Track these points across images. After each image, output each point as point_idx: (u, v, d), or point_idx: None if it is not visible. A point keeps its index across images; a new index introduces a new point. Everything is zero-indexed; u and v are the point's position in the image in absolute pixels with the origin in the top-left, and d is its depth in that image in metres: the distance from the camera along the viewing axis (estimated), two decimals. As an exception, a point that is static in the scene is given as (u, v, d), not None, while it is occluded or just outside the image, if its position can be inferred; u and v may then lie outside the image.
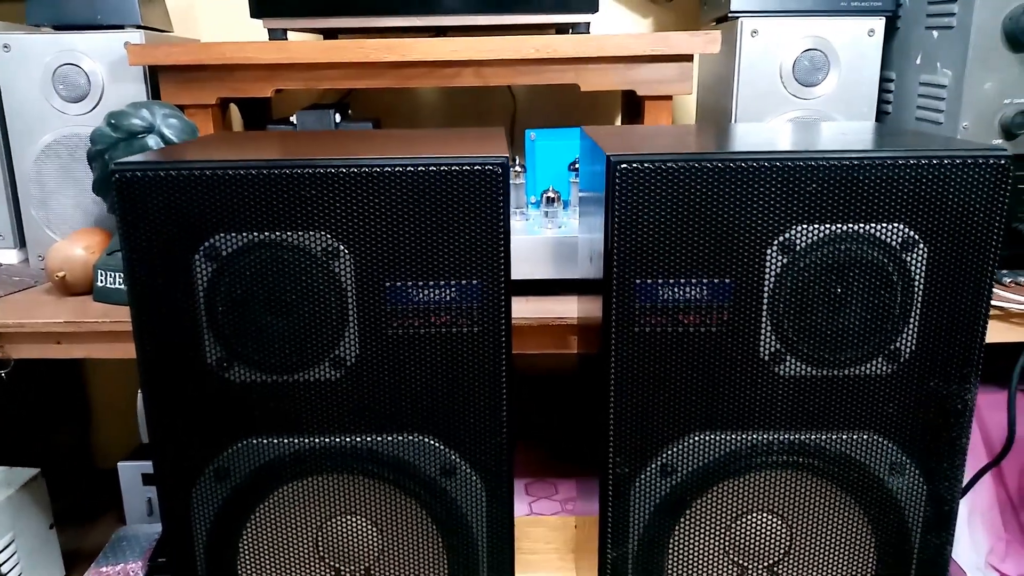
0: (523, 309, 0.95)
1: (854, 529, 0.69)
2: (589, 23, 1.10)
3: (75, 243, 1.09)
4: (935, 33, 1.09)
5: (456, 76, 1.09)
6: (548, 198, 1.07)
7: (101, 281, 1.05)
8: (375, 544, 0.71)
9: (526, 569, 1.00)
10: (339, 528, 0.71)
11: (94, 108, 1.14)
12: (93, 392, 1.60)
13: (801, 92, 1.17)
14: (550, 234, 1.02)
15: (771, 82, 1.16)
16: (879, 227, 0.61)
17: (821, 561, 0.70)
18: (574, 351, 0.98)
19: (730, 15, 1.16)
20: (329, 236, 0.62)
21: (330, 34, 1.18)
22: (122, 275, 1.04)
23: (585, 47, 1.06)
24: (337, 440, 0.66)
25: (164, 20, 1.24)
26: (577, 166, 1.11)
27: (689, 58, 1.08)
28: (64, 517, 1.39)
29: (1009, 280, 1.05)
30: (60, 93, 1.14)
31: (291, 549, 0.71)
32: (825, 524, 0.69)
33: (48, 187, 1.17)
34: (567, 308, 0.96)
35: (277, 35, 1.10)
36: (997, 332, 0.98)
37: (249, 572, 0.71)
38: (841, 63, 1.15)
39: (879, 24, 1.15)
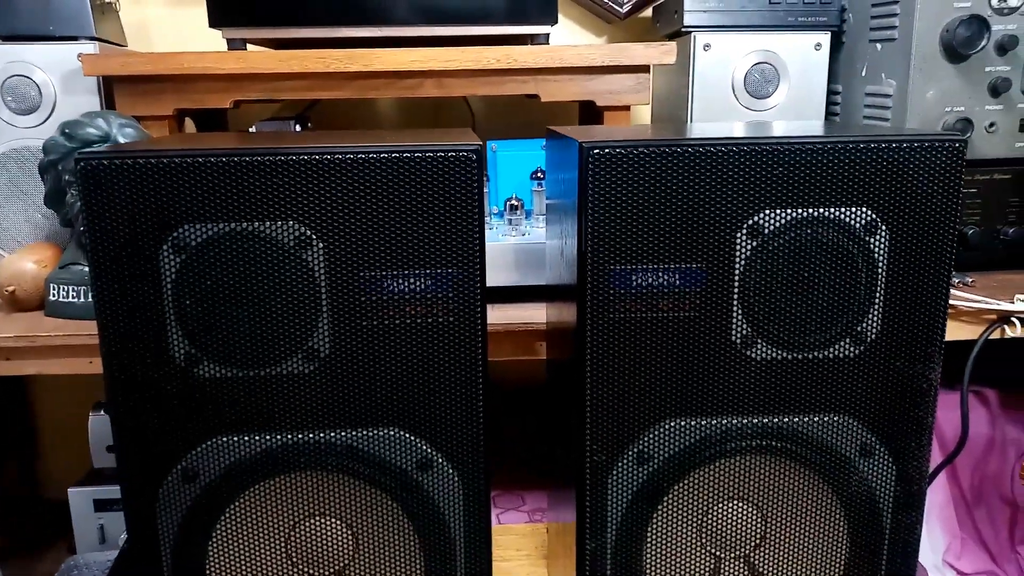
0: (489, 316, 0.95)
1: (827, 513, 0.70)
2: (548, 34, 1.12)
3: (26, 257, 1.06)
4: (879, 46, 1.13)
5: (418, 87, 1.10)
6: (511, 205, 1.08)
7: (54, 295, 1.02)
8: (348, 547, 0.69)
9: (499, 576, 0.99)
10: (311, 531, 0.69)
11: (45, 121, 1.12)
12: (39, 415, 1.55)
13: (753, 104, 1.20)
14: (514, 241, 1.03)
15: (724, 94, 1.19)
16: (842, 211, 0.63)
17: (795, 547, 0.71)
18: (541, 357, 0.98)
19: (683, 30, 1.19)
20: (301, 225, 0.61)
21: (288, 47, 1.18)
22: (76, 288, 1.02)
23: (545, 57, 1.08)
24: (309, 436, 0.65)
25: (119, 34, 1.23)
26: (540, 175, 1.12)
27: (646, 69, 1.11)
28: (9, 551, 1.33)
29: (957, 280, 1.09)
30: (9, 105, 1.11)
31: (262, 554, 0.69)
32: (798, 510, 0.70)
33: (-5, 202, 1.14)
34: (533, 314, 0.96)
35: (236, 46, 1.09)
36: (947, 331, 1.01)
37: (218, 579, 0.68)
38: (790, 75, 1.19)
39: (825, 39, 1.19)
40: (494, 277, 1.02)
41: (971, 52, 1.05)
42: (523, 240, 1.03)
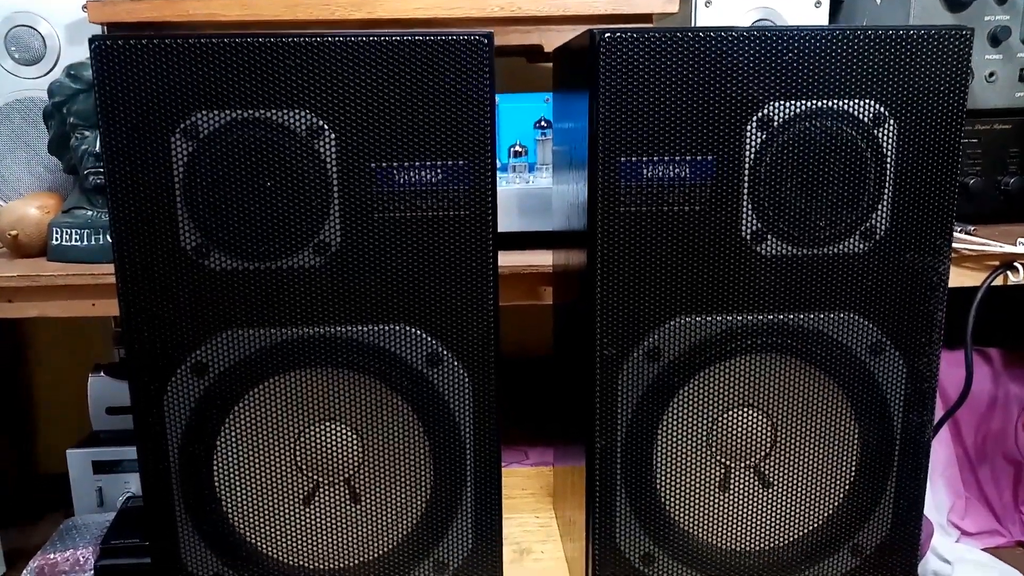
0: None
1: (837, 418, 0.70)
2: (552, -17, 1.12)
3: (29, 203, 1.06)
4: (878, 0, 1.15)
5: (421, 36, 1.10)
6: (515, 152, 1.08)
7: (56, 239, 1.02)
8: (356, 452, 0.69)
9: (504, 511, 0.98)
10: (319, 436, 0.68)
11: (49, 71, 1.12)
12: (36, 387, 1.53)
13: (754, 61, 1.21)
14: (518, 187, 1.03)
15: (725, 51, 1.20)
16: (851, 103, 0.63)
17: (805, 455, 0.71)
18: (546, 302, 0.98)
19: (684, -13, 1.20)
20: (312, 114, 0.61)
21: None
22: (79, 231, 1.01)
23: (548, 5, 1.08)
24: (319, 331, 0.65)
25: (122, -9, 1.23)
26: (543, 124, 1.12)
27: (648, 18, 1.11)
28: (6, 520, 1.32)
29: (960, 228, 1.09)
30: (13, 55, 1.11)
31: (268, 457, 0.68)
32: (808, 415, 0.70)
33: (-1, 152, 1.14)
34: (538, 259, 0.96)
35: (241, -6, 1.09)
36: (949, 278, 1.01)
37: (225, 481, 0.68)
38: (791, 32, 1.20)
39: (825, -5, 1.20)
40: (499, 223, 1.02)
41: (971, 0, 1.06)
42: (528, 186, 1.03)
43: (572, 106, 0.72)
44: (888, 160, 0.64)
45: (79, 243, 1.01)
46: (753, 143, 0.63)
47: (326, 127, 0.61)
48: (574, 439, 0.76)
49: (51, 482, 1.42)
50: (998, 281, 1.03)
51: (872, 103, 0.63)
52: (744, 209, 0.65)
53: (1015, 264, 1.02)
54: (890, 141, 0.64)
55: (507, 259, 0.97)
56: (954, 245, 0.99)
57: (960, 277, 1.02)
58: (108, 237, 1.00)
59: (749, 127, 0.63)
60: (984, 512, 1.28)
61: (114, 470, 1.24)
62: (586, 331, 0.66)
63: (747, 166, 0.64)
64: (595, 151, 0.63)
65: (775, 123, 0.63)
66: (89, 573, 1.07)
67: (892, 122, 0.64)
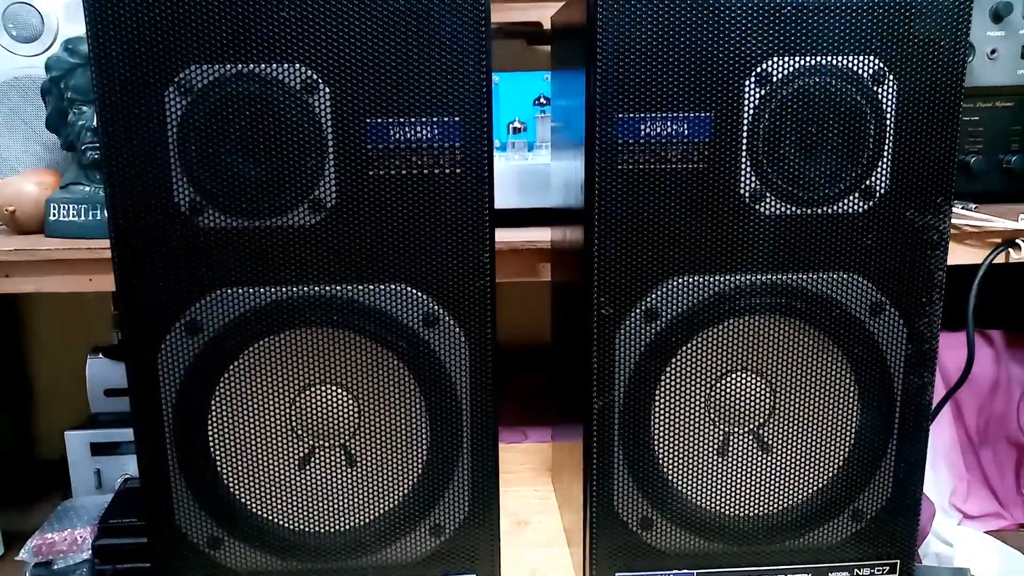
0: (493, 237, 0.94)
1: (837, 381, 0.69)
2: (551, -40, 1.12)
3: (27, 179, 1.05)
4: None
5: (420, 13, 1.10)
6: (515, 128, 1.08)
7: (54, 215, 1.02)
8: (352, 415, 0.68)
9: (501, 485, 0.97)
10: (315, 399, 0.68)
11: (47, 49, 1.12)
12: (34, 376, 1.53)
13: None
14: (517, 163, 1.02)
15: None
16: (851, 59, 0.62)
17: (805, 418, 0.70)
18: (544, 279, 0.97)
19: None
20: (306, 68, 0.61)
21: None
22: (77, 207, 1.01)
23: (547, -18, 1.08)
24: (314, 290, 0.64)
25: (121, -30, 1.23)
26: (542, 101, 1.12)
27: (648, -5, 1.11)
28: (4, 503, 1.32)
29: (960, 206, 1.08)
30: (11, 33, 1.11)
31: (264, 419, 0.68)
32: (808, 379, 0.69)
33: (-4, 130, 1.13)
34: (537, 235, 0.96)
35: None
36: (950, 255, 1.00)
37: (220, 442, 0.67)
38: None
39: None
40: (497, 200, 1.01)
41: (971, -25, 1.05)
42: (527, 163, 1.03)
43: (570, 83, 0.72)
44: (888, 118, 0.64)
45: (76, 219, 1.01)
46: (752, 100, 0.63)
47: (320, 81, 0.61)
48: (572, 408, 0.75)
49: (49, 465, 1.42)
50: (1000, 259, 1.02)
51: (872, 59, 0.63)
52: (743, 167, 0.64)
53: (1017, 241, 1.01)
54: (890, 98, 0.63)
55: (506, 235, 0.96)
56: (955, 221, 0.98)
57: (962, 254, 1.01)
58: (105, 212, 1.00)
59: (748, 83, 0.63)
60: (986, 495, 1.27)
61: (113, 452, 1.24)
62: (583, 291, 0.66)
63: (746, 123, 0.63)
64: (592, 107, 0.62)
65: (774, 79, 0.63)
66: (87, 552, 1.07)
67: (892, 79, 0.63)
